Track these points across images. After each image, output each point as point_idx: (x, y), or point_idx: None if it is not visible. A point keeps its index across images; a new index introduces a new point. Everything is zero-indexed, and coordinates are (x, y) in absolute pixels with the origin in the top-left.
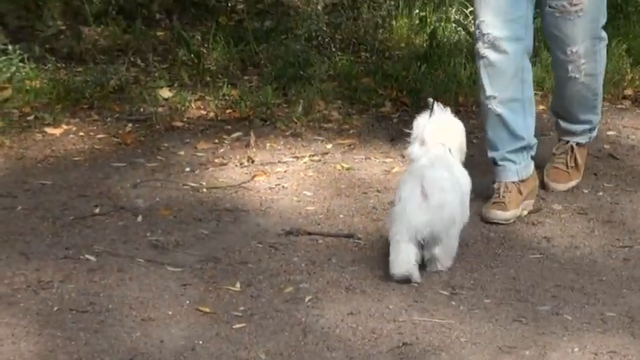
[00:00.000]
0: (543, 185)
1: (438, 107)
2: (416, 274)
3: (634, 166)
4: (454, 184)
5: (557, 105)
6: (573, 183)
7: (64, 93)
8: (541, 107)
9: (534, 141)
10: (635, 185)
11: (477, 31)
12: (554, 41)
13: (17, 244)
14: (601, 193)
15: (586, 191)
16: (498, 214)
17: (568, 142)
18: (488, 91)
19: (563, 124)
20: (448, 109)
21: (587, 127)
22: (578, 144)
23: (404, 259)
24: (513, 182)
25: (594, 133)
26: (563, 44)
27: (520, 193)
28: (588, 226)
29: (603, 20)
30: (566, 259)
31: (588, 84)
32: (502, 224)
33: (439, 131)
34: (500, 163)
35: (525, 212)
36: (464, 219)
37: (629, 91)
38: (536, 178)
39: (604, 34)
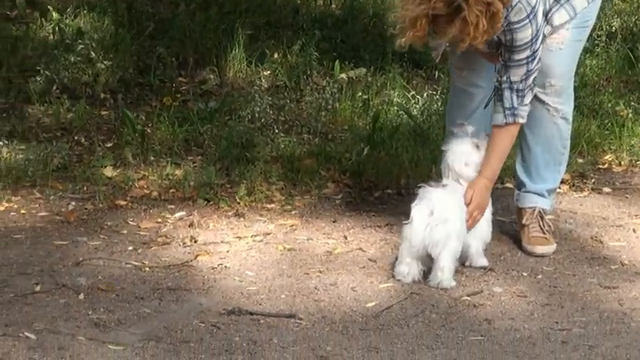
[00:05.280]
0: (526, 252)
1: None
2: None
3: (571, 250)
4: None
5: (523, 161)
6: (554, 247)
7: (5, 171)
8: None
9: None
10: (573, 269)
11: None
12: None
13: None
14: (540, 276)
15: (525, 274)
16: None
17: (534, 209)
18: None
19: (527, 186)
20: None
21: (549, 186)
22: (543, 210)
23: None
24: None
25: (554, 201)
26: (542, 76)
27: None
28: (528, 308)
29: (572, 78)
30: (506, 341)
31: (561, 129)
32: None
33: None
34: None
35: None
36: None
37: (566, 176)
38: None
39: (573, 94)
